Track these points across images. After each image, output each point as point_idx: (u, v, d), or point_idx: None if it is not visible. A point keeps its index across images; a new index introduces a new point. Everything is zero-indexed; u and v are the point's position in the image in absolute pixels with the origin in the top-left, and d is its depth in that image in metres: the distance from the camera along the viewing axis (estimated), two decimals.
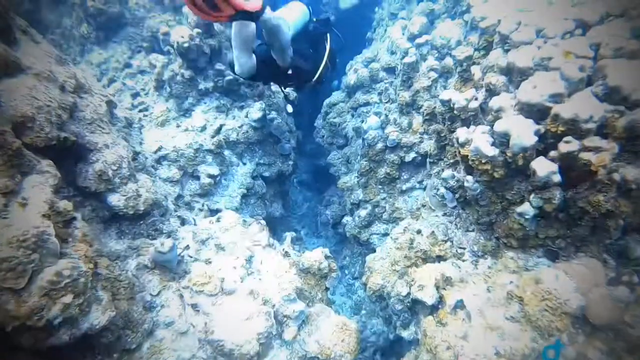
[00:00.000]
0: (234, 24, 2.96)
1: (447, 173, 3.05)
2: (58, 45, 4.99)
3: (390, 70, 4.90)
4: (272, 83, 4.40)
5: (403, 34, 4.96)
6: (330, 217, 5.26)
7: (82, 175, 2.95)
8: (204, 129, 4.27)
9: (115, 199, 3.08)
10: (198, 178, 4.08)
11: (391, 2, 5.69)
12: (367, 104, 5.03)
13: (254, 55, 3.28)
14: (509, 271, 2.74)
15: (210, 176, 4.09)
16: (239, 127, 4.39)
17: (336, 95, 5.43)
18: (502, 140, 2.53)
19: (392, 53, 4.88)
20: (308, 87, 3.96)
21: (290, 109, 4.16)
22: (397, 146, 4.15)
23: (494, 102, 2.60)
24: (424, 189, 4.15)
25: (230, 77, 4.30)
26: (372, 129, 4.28)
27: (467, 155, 2.74)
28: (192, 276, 3.07)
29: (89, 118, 3.09)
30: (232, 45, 3.15)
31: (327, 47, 3.93)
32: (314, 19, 3.98)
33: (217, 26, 4.20)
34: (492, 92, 2.73)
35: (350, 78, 5.14)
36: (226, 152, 4.34)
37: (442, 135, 3.44)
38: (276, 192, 5.01)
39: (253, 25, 3.03)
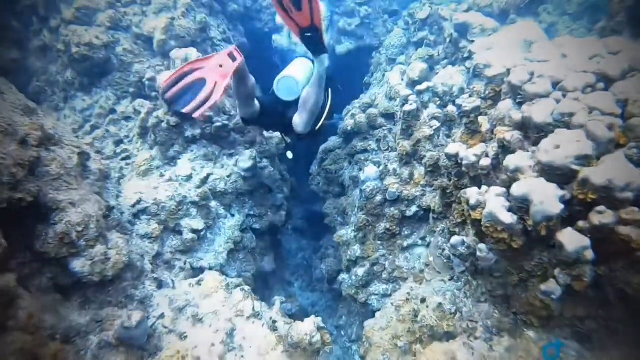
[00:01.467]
0: (232, 80, 2.94)
1: (456, 239, 2.66)
2: (42, 92, 4.73)
3: (389, 116, 4.61)
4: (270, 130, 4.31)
5: (402, 79, 4.72)
6: (325, 271, 4.82)
7: (41, 238, 2.56)
8: (189, 178, 3.92)
9: (80, 265, 2.68)
10: (180, 233, 3.68)
11: (389, 47, 5.50)
12: (364, 151, 4.71)
13: (257, 103, 3.28)
14: (532, 358, 2.30)
15: (193, 231, 3.70)
16: (228, 176, 4.03)
17: (332, 142, 5.13)
18: (520, 206, 2.16)
19: (391, 99, 4.61)
20: (307, 137, 3.81)
21: (290, 155, 3.97)
22: (398, 199, 3.78)
23: (510, 162, 2.25)
24: (427, 246, 3.75)
25: (219, 124, 3.99)
26: (370, 180, 3.93)
27: (479, 220, 2.37)
28: (162, 357, 2.61)
29: (54, 173, 2.73)
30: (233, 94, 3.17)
31: (329, 100, 3.80)
32: None
33: None
34: (506, 148, 2.39)
35: (347, 124, 4.84)
36: (213, 204, 3.96)
37: (448, 191, 3.08)
38: (267, 244, 4.59)
39: (253, 80, 3.08)
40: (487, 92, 2.97)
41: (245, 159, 3.99)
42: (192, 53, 3.70)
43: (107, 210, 3.11)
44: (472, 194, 2.41)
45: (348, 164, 4.93)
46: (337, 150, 5.03)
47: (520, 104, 2.55)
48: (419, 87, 3.85)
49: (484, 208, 2.29)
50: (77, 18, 4.33)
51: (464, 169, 2.67)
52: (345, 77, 5.37)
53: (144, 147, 4.09)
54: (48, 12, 4.51)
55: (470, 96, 3.22)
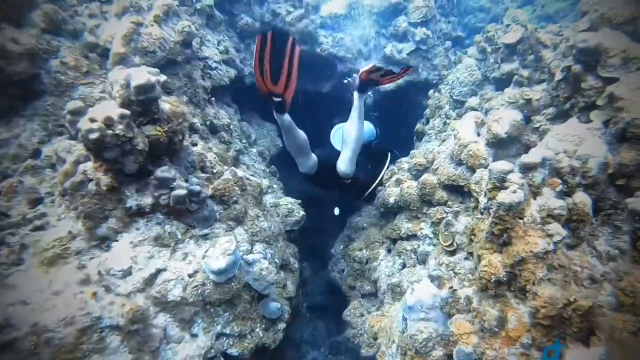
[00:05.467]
0: (284, 135, 2.97)
1: None
2: None
3: (456, 190, 2.84)
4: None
5: (477, 133, 2.94)
6: None
7: None
8: (126, 274, 2.27)
9: None
10: None
11: (454, 84, 3.74)
12: (412, 236, 2.93)
13: (314, 155, 3.23)
14: None
15: None
16: (190, 274, 2.35)
17: (366, 215, 3.37)
18: None
19: (460, 163, 2.83)
20: (357, 202, 3.76)
21: (337, 211, 3.79)
22: None
23: None
24: None
25: (183, 192, 2.33)
26: (420, 309, 2.13)
27: None
28: None
29: None
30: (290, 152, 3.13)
31: (386, 165, 3.62)
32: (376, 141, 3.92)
33: (167, 106, 2.31)
34: None
35: (390, 193, 3.09)
36: (159, 320, 2.28)
37: None
38: None
39: (302, 133, 3.00)
40: None
41: (217, 253, 2.29)
42: (139, 74, 2.09)
43: None
44: None
45: (386, 252, 3.16)
46: (372, 229, 3.27)
47: None
48: (528, 159, 2.04)
49: None
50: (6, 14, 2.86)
51: None
52: (392, 124, 3.69)
53: (68, 215, 2.49)
54: None
55: None
